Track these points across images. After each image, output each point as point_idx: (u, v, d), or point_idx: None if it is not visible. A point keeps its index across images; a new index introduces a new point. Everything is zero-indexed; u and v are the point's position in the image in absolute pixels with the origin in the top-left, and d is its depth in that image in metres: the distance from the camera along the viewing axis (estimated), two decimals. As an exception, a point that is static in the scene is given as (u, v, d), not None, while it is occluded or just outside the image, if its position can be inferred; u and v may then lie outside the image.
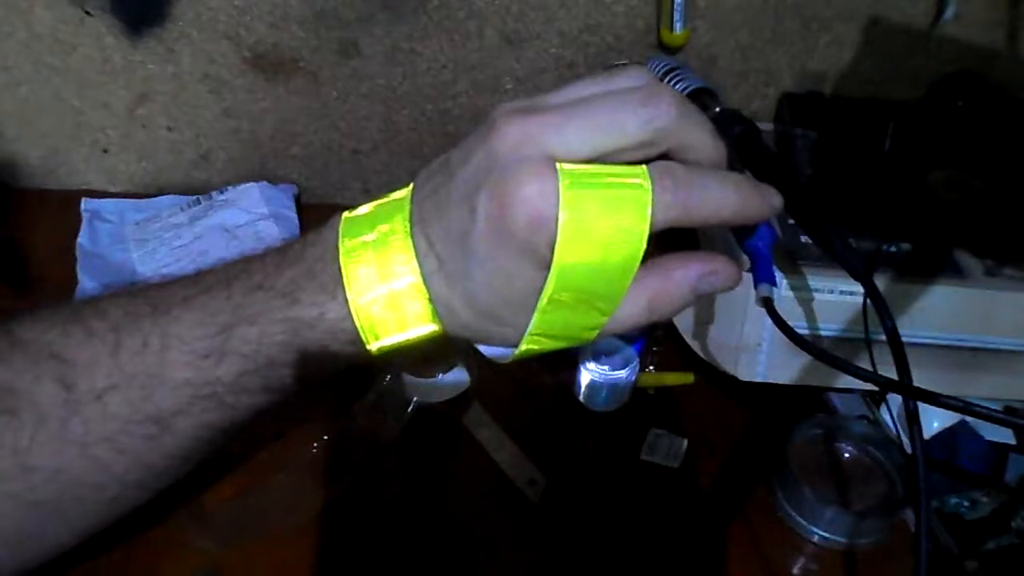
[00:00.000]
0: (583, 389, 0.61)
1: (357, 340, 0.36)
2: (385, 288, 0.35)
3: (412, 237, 0.34)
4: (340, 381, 0.59)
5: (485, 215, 0.32)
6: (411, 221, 0.35)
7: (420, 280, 0.34)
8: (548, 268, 0.32)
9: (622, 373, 0.59)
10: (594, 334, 0.35)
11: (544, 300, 0.33)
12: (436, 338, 0.37)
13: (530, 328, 0.34)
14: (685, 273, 0.35)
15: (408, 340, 0.36)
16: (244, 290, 0.37)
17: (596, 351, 0.61)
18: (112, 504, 0.40)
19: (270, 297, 0.36)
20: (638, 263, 0.33)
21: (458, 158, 0.34)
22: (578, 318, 0.34)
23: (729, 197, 0.33)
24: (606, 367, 0.60)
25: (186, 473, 0.42)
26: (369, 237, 0.35)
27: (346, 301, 0.35)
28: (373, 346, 0.37)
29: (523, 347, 0.35)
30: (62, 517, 0.38)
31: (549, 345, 0.36)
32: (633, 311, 0.34)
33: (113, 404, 0.36)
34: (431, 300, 0.35)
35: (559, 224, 0.31)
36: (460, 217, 0.33)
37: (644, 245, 0.32)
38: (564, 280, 0.32)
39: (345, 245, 0.35)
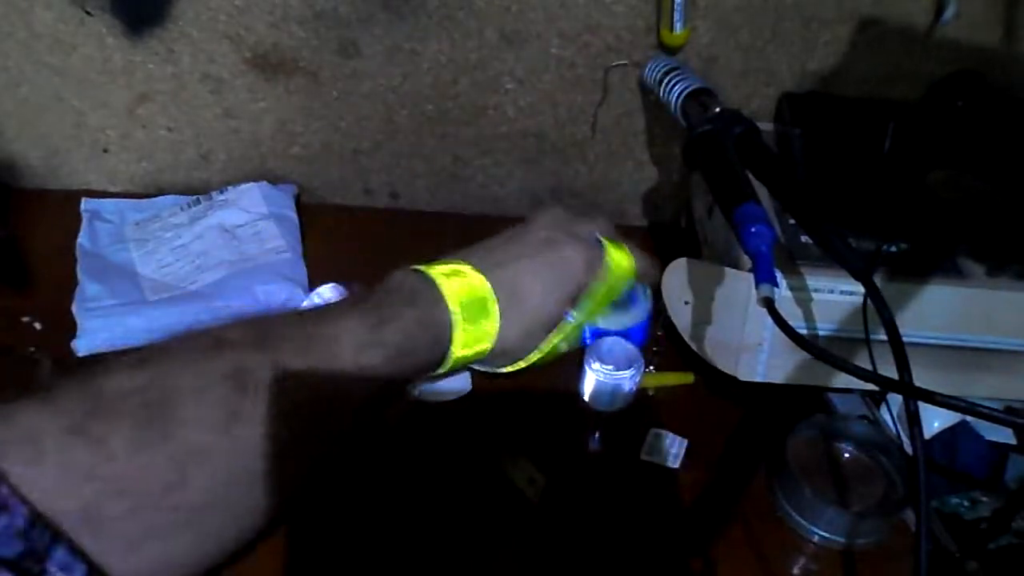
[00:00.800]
0: (588, 389, 0.61)
1: (444, 343, 0.42)
2: (469, 299, 0.42)
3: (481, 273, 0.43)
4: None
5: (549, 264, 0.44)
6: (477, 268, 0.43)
7: (492, 298, 0.43)
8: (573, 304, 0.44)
9: (627, 373, 0.59)
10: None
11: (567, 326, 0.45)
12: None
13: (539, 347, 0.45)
14: None
15: (475, 347, 0.42)
16: (367, 306, 0.41)
17: (601, 352, 0.61)
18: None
19: (395, 301, 0.41)
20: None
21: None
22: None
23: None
24: (611, 367, 0.60)
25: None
26: (448, 269, 0.43)
27: (446, 308, 0.41)
28: (456, 348, 0.42)
29: (525, 360, 0.45)
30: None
31: (536, 359, 0.46)
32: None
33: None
34: (497, 312, 0.42)
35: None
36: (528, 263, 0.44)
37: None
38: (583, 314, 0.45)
39: (434, 269, 0.42)
